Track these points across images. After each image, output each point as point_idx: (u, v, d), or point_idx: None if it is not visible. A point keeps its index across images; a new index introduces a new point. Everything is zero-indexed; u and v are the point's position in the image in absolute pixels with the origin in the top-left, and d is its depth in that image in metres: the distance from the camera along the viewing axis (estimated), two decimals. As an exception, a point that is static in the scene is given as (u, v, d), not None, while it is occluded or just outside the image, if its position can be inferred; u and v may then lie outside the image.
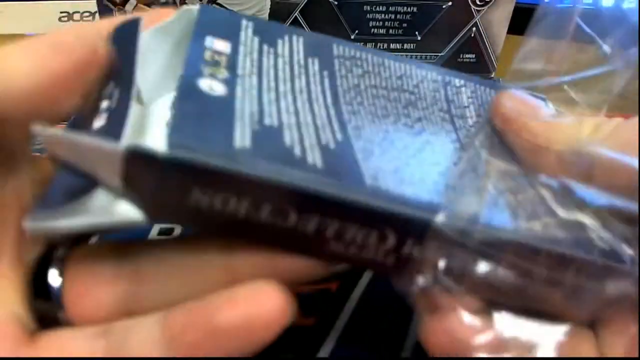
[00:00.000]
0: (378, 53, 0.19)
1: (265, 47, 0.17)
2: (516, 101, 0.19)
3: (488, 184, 0.17)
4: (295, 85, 0.16)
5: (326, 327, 0.22)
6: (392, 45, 0.45)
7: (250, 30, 0.17)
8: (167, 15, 0.17)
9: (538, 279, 0.16)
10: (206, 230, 0.15)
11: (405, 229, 0.14)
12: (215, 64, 0.15)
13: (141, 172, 0.12)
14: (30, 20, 0.46)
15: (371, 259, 0.15)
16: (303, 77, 0.17)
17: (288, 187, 0.13)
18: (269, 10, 0.43)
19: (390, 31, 0.44)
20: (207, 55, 0.15)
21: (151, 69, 0.16)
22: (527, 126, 0.18)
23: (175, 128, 0.12)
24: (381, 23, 0.44)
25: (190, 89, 0.14)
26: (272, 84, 0.16)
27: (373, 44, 0.45)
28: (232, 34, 0.17)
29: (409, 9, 0.43)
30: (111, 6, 0.41)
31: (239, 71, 0.16)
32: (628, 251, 0.17)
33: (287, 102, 0.16)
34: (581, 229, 0.17)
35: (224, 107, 0.14)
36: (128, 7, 0.41)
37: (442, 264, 0.15)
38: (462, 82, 0.20)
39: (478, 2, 0.43)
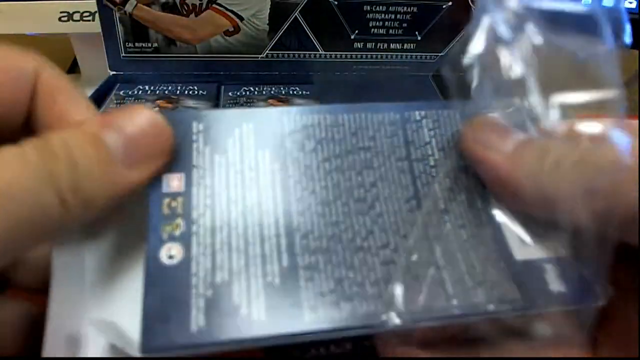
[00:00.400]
0: (332, 110, 0.19)
1: (216, 158, 0.18)
2: (480, 131, 0.19)
3: (430, 270, 0.17)
4: (246, 202, 0.17)
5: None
6: (392, 45, 0.45)
7: (201, 139, 0.18)
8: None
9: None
10: None
11: (349, 340, 0.17)
12: (172, 215, 0.16)
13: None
14: (31, 20, 0.46)
15: (341, 352, 0.19)
16: (254, 185, 0.17)
17: (239, 348, 0.15)
18: (269, 11, 0.43)
19: (391, 31, 0.44)
20: (165, 206, 0.17)
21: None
22: (490, 161, 0.18)
23: (145, 330, 0.15)
24: (381, 23, 0.43)
25: (155, 268, 0.16)
26: (225, 214, 0.17)
27: (373, 44, 0.45)
28: (185, 158, 0.18)
29: (409, 9, 0.43)
30: (111, 6, 0.41)
31: (194, 214, 0.17)
32: (595, 287, 0.17)
33: (238, 233, 0.17)
34: (537, 272, 0.17)
35: (181, 280, 0.16)
36: (128, 7, 0.41)
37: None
38: (423, 113, 0.20)
39: (478, 2, 0.43)
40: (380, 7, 0.43)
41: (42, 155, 0.14)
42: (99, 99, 0.39)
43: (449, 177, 0.19)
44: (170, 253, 0.16)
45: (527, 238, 0.18)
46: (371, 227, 0.17)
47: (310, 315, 0.16)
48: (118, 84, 0.42)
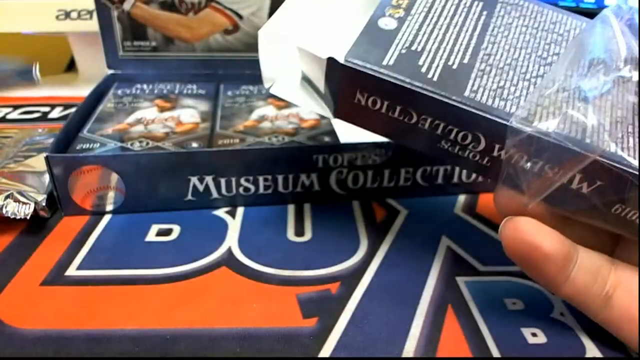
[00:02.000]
0: (541, 4, 0.24)
1: None
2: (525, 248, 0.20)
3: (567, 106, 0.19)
4: (453, 20, 0.23)
5: (327, 328, 0.22)
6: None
7: None
8: None
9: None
10: (363, 125, 0.23)
11: (490, 133, 0.20)
12: (397, 6, 0.23)
13: (332, 74, 0.21)
14: (27, 18, 0.45)
15: (472, 159, 0.21)
16: (463, 14, 0.23)
17: (406, 87, 0.20)
18: (268, 9, 0.43)
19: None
20: (394, 1, 0.23)
21: None
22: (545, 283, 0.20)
23: (351, 50, 0.21)
24: (382, 22, 0.43)
25: (372, 26, 0.22)
26: (434, 19, 0.22)
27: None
28: None
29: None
30: (109, 4, 0.41)
31: (413, 11, 0.23)
32: None
33: (439, 32, 0.22)
34: None
35: (388, 38, 0.22)
36: (126, 5, 0.41)
37: (520, 162, 0.19)
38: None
39: (480, 1, 0.43)
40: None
41: None
42: (96, 98, 0.39)
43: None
44: (386, 23, 0.22)
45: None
46: (543, 72, 0.21)
47: (470, 94, 0.20)
48: (116, 83, 0.42)
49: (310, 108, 0.23)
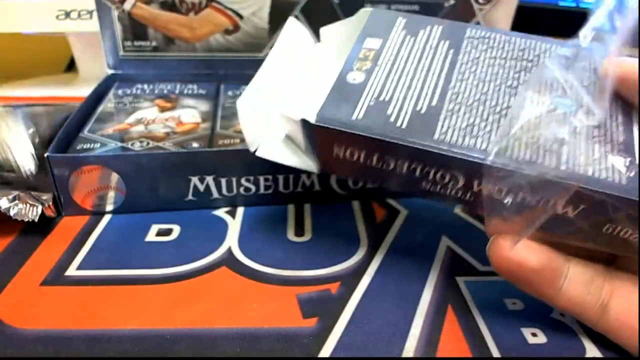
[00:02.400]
0: (509, 33, 0.24)
1: (407, 38, 0.24)
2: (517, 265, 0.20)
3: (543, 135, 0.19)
4: (420, 63, 0.23)
5: (327, 328, 0.22)
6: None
7: (401, 26, 0.25)
8: None
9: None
10: (348, 175, 0.25)
11: (465, 171, 0.20)
12: (365, 59, 0.23)
13: (308, 132, 0.22)
14: (27, 18, 0.45)
15: (455, 196, 0.21)
16: (430, 56, 0.23)
17: (376, 138, 0.20)
18: (269, 9, 0.43)
19: (391, 30, 0.44)
20: (362, 53, 0.24)
21: (334, 42, 0.26)
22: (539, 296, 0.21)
23: (322, 109, 0.21)
24: (382, 22, 0.43)
25: (341, 81, 0.23)
26: (402, 66, 0.23)
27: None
28: (385, 32, 0.25)
29: (410, 7, 0.43)
30: (109, 4, 0.41)
31: (380, 61, 0.23)
32: None
33: (406, 79, 0.22)
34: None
35: (357, 91, 0.22)
36: (127, 5, 0.41)
37: (500, 197, 0.19)
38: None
39: (480, 1, 0.42)
40: (382, 5, 0.42)
41: None
42: (97, 98, 0.39)
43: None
44: (354, 77, 0.23)
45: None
46: (510, 103, 0.21)
47: (440, 136, 0.20)
48: (116, 83, 0.42)
49: (296, 165, 0.24)
